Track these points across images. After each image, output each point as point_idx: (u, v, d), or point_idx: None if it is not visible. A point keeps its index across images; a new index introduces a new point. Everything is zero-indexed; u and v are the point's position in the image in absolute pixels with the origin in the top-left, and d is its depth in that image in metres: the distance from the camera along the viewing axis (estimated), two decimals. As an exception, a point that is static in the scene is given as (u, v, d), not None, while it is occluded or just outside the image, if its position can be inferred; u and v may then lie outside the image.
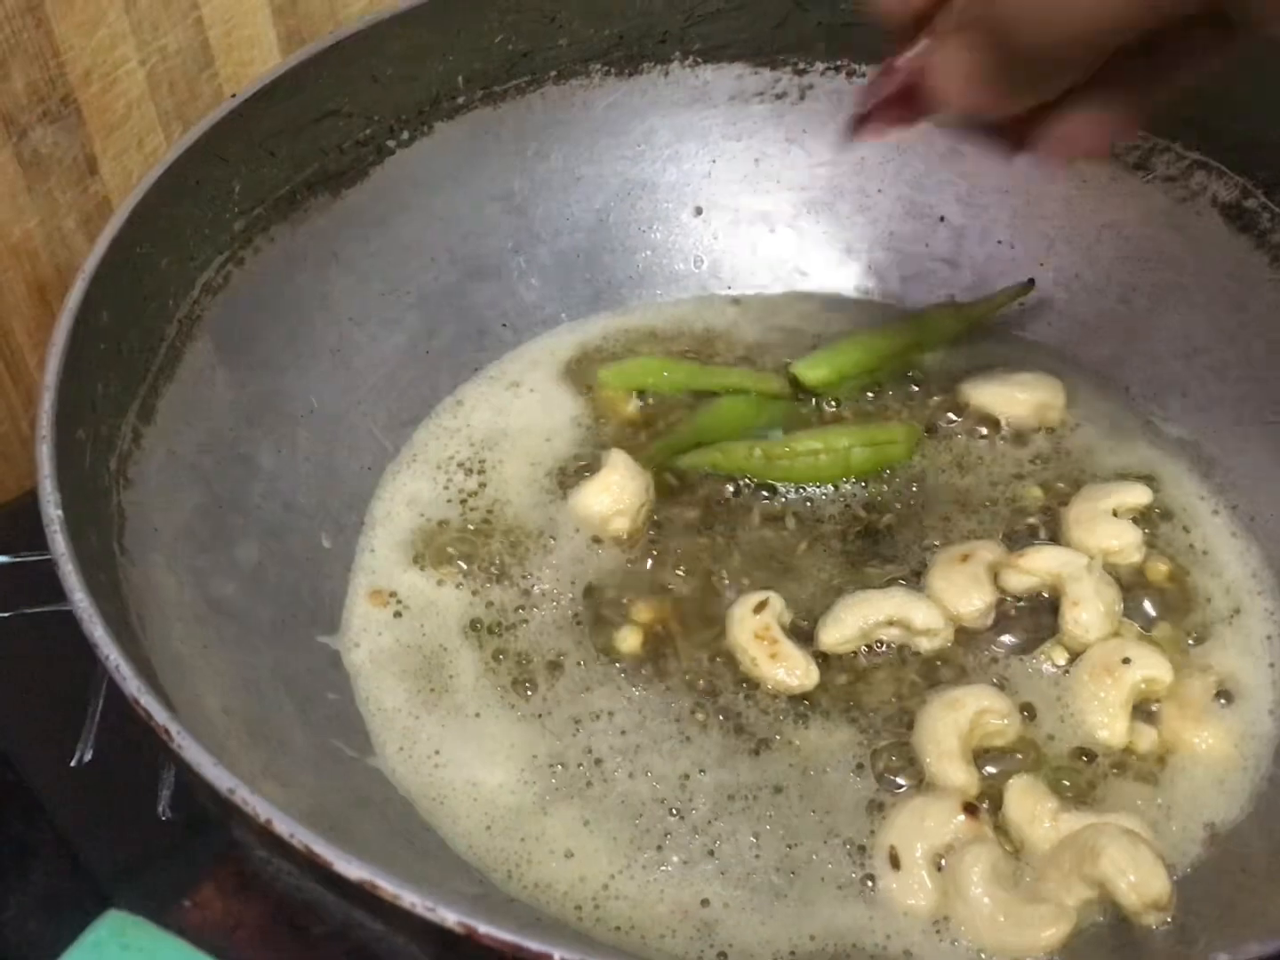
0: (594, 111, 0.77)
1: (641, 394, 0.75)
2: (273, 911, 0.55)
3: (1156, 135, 0.73)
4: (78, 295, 0.58)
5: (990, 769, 0.60)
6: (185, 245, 0.65)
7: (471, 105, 0.74)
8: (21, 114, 0.74)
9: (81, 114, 0.77)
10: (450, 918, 0.42)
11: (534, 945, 0.41)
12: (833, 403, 0.74)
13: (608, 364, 0.76)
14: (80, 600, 0.49)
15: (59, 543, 0.50)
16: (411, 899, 0.42)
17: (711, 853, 0.58)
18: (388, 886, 0.42)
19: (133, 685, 0.47)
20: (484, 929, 0.41)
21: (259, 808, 0.44)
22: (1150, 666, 0.61)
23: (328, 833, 0.44)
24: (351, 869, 0.43)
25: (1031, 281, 0.75)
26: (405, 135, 0.73)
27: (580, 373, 0.76)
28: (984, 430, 0.73)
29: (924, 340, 0.75)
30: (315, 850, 0.43)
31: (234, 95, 0.66)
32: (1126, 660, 0.61)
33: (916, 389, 0.75)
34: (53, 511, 0.51)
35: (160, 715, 0.46)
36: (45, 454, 0.53)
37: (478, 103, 0.74)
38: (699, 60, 0.77)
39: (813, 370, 0.74)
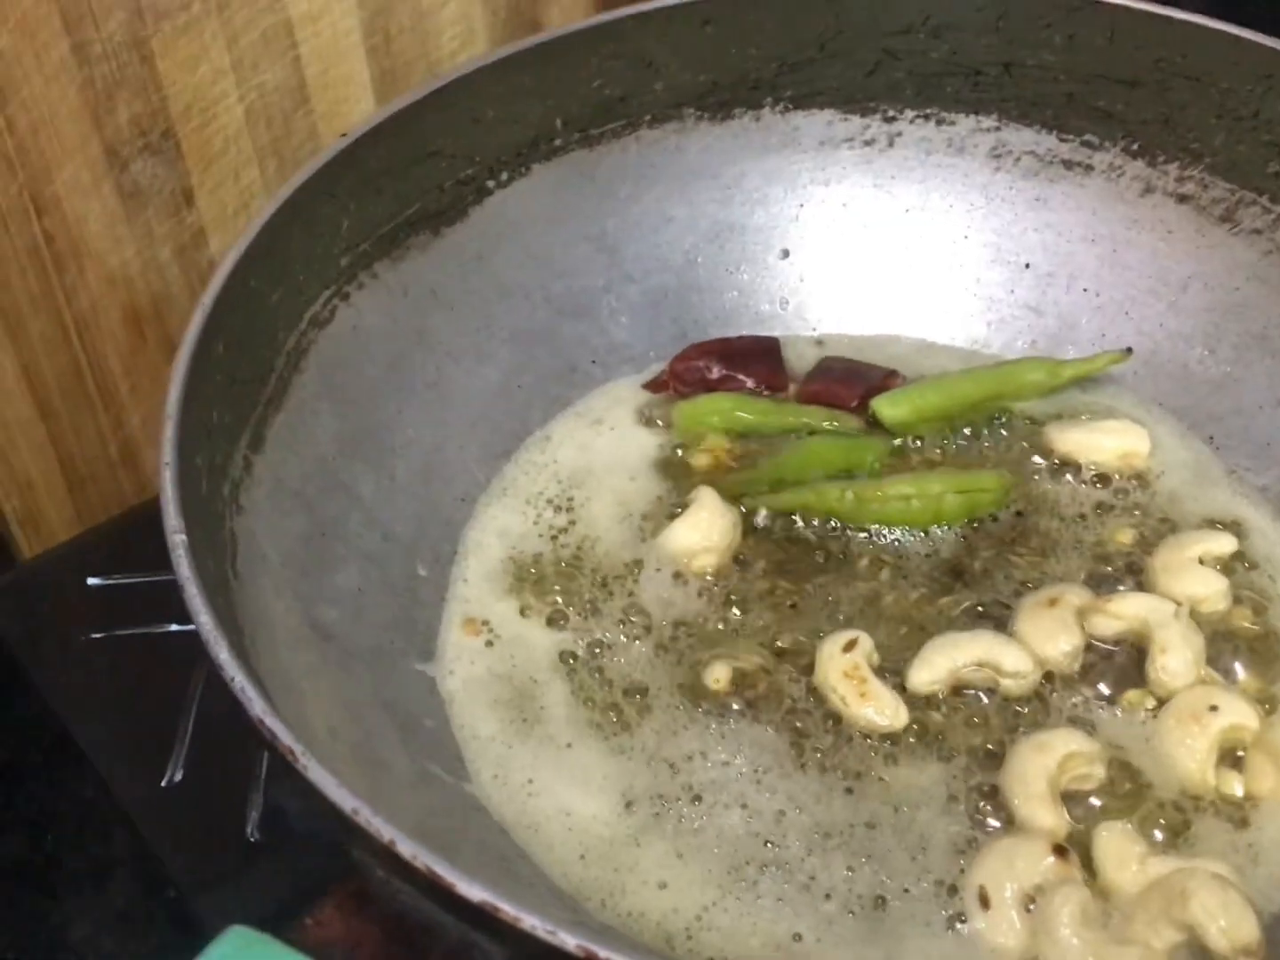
0: (686, 155, 0.78)
1: (724, 432, 0.76)
2: (388, 933, 0.56)
3: (1244, 188, 0.74)
4: (196, 328, 0.59)
5: (1078, 812, 0.60)
6: (295, 280, 0.66)
7: (568, 148, 0.76)
8: (124, 146, 0.76)
9: (180, 148, 0.79)
10: (570, 941, 0.43)
11: (655, 971, 0.42)
12: (917, 442, 0.75)
13: (684, 401, 0.77)
14: (205, 623, 0.50)
15: (184, 567, 0.52)
16: (533, 922, 0.43)
17: (805, 888, 0.58)
18: (509, 909, 0.43)
19: (258, 706, 0.48)
20: (604, 953, 0.42)
21: (382, 829, 0.45)
22: (1237, 714, 0.62)
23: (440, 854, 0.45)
24: (474, 890, 0.44)
25: (1129, 350, 0.75)
26: (504, 176, 0.75)
27: (660, 410, 0.77)
28: (1069, 476, 0.73)
29: (1010, 392, 0.76)
30: (438, 872, 0.44)
31: (344, 135, 0.68)
32: (1214, 708, 0.61)
33: (1002, 433, 0.75)
34: (177, 537, 0.53)
35: (285, 736, 0.47)
36: (169, 479, 0.54)
37: (574, 145, 0.76)
38: (790, 106, 0.79)
39: (893, 408, 0.75)
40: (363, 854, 0.47)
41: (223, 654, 0.49)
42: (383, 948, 0.56)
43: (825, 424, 0.76)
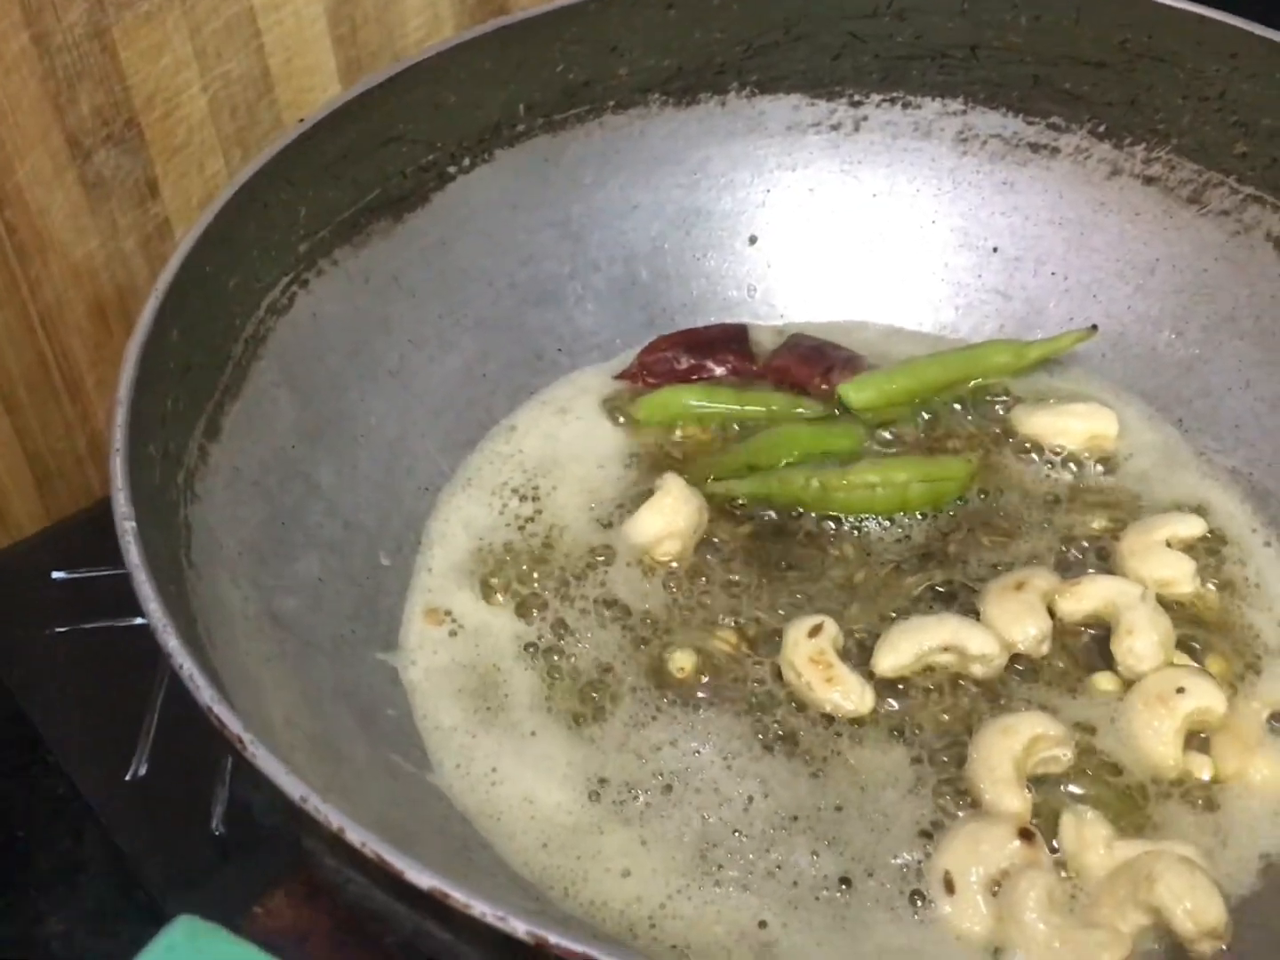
0: (651, 140, 0.78)
1: (687, 423, 0.76)
2: (339, 922, 0.55)
3: (1211, 169, 0.73)
4: (150, 313, 0.59)
5: (1045, 795, 0.60)
6: (252, 266, 0.66)
7: (532, 133, 0.75)
8: (86, 137, 0.76)
9: (144, 137, 0.78)
10: (520, 928, 0.42)
11: (604, 955, 0.41)
12: (887, 432, 0.75)
13: (643, 396, 0.76)
14: (154, 610, 0.50)
15: (133, 554, 0.51)
16: (482, 908, 0.42)
17: (770, 874, 0.58)
18: (459, 895, 0.43)
19: (206, 694, 0.47)
20: (554, 939, 0.42)
21: (331, 816, 0.45)
22: (1204, 696, 0.61)
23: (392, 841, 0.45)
24: (423, 878, 0.43)
25: (1095, 327, 0.76)
26: (466, 162, 0.74)
27: (622, 404, 0.77)
28: (1036, 459, 0.73)
29: (977, 374, 0.76)
30: (387, 859, 0.44)
31: (302, 120, 0.68)
32: (1181, 690, 0.61)
33: (969, 417, 0.75)
34: (126, 524, 0.52)
35: (234, 725, 0.47)
36: (118, 467, 0.54)
37: (538, 131, 0.76)
38: (756, 91, 0.78)
39: (859, 392, 0.75)
40: (314, 843, 0.46)
41: (171, 641, 0.49)
42: (333, 937, 0.56)
43: (789, 411, 0.75)
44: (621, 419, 0.76)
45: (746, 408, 0.75)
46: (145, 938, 0.57)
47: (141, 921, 0.70)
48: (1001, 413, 0.75)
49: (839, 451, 0.73)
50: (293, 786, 0.45)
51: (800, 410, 0.75)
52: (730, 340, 0.78)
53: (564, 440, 0.75)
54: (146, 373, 0.57)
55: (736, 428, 0.75)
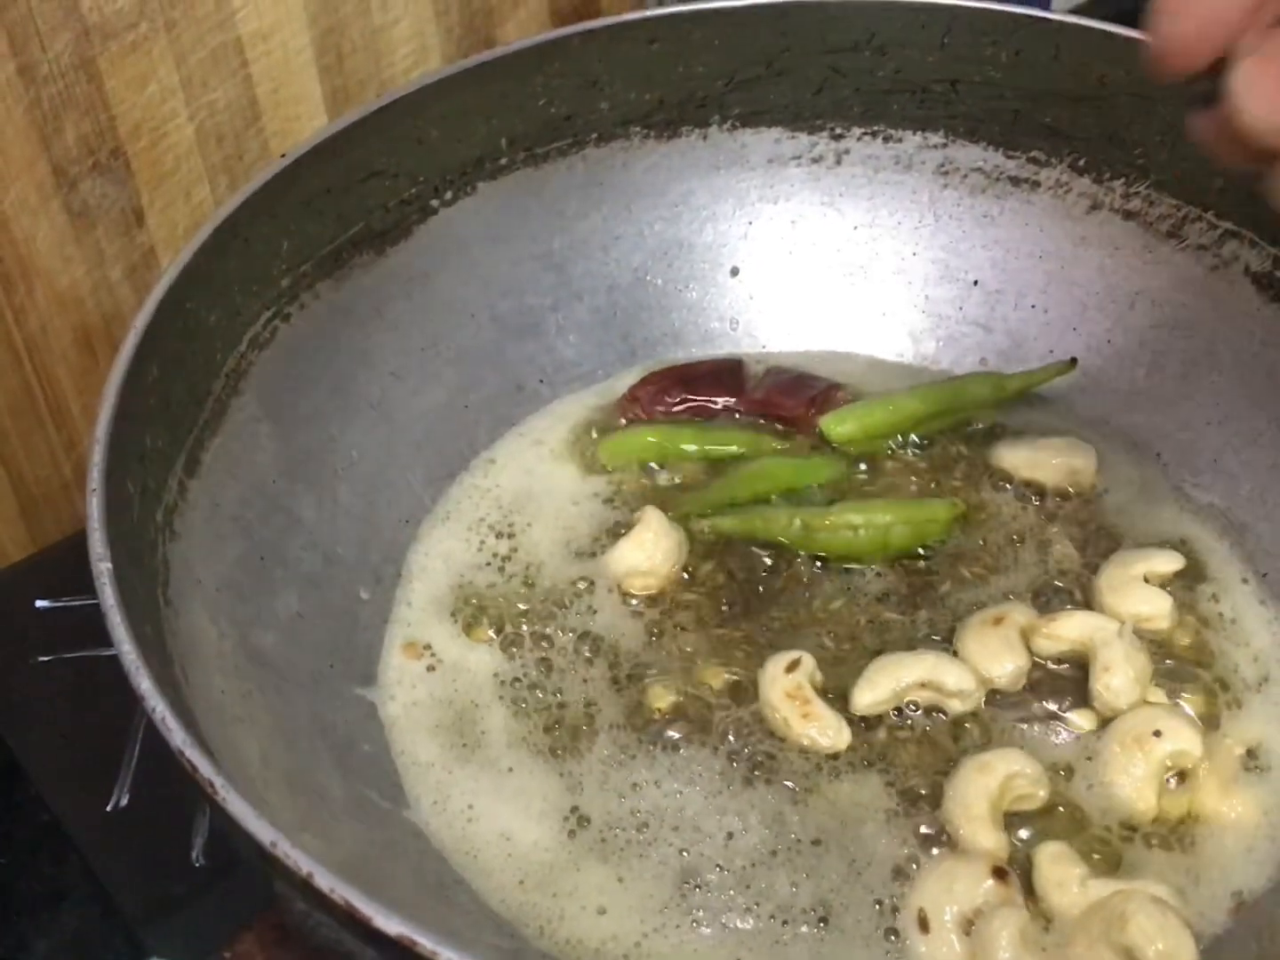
0: (633, 173, 0.78)
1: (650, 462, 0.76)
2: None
3: (1189, 204, 0.74)
4: (129, 349, 0.59)
5: (1020, 833, 0.60)
6: (233, 301, 0.66)
7: (514, 166, 0.76)
8: (72, 166, 0.76)
9: (130, 166, 0.78)
10: (488, 975, 0.42)
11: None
12: (866, 465, 0.75)
13: (607, 435, 0.76)
14: (128, 651, 0.50)
15: (108, 594, 0.51)
16: (449, 955, 0.42)
17: (748, 910, 0.58)
18: (426, 943, 0.43)
19: (178, 737, 0.48)
20: (520, 988, 0.42)
21: (300, 861, 0.45)
22: (1181, 740, 0.61)
23: (364, 885, 0.45)
24: (391, 925, 0.43)
25: (1074, 360, 0.76)
26: (449, 195, 0.74)
27: (584, 446, 0.77)
28: (1015, 493, 0.73)
29: (957, 407, 0.76)
30: (355, 905, 0.44)
31: (284, 155, 0.68)
32: (1157, 733, 0.61)
33: (950, 450, 0.75)
34: (102, 565, 0.52)
35: (205, 768, 0.47)
36: (95, 506, 0.54)
37: (520, 164, 0.76)
38: (737, 124, 0.78)
39: (839, 426, 0.75)
40: (283, 886, 0.46)
41: (144, 683, 0.49)
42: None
43: (755, 448, 0.75)
44: (583, 462, 0.76)
45: (708, 447, 0.75)
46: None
47: (122, 952, 0.70)
48: (981, 447, 0.75)
49: (819, 484, 0.73)
50: (263, 831, 0.45)
51: (772, 446, 0.75)
52: (725, 375, 0.78)
53: (539, 475, 0.75)
54: (125, 410, 0.57)
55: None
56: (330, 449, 0.70)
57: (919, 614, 0.68)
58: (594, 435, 0.77)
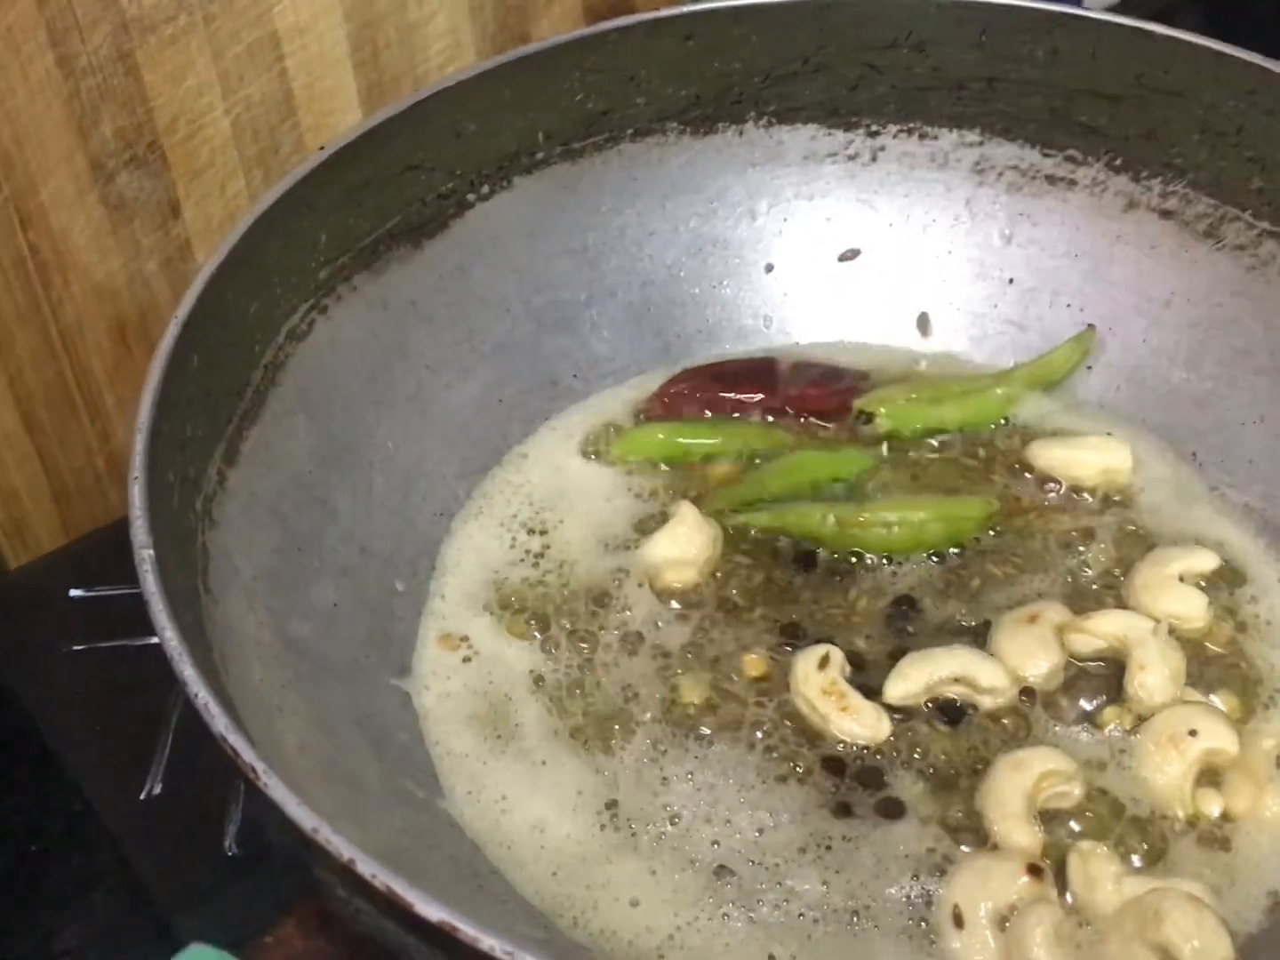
0: (669, 169, 0.78)
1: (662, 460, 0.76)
2: (350, 952, 0.56)
3: (1227, 204, 0.73)
4: (170, 340, 0.59)
5: (1054, 831, 0.60)
6: (272, 292, 0.66)
7: (550, 161, 0.76)
8: (109, 159, 0.77)
9: (166, 160, 0.79)
10: (529, 962, 0.42)
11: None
12: (899, 457, 0.74)
13: (622, 434, 0.77)
14: (170, 638, 0.50)
15: (150, 582, 0.52)
16: (491, 942, 0.43)
17: (779, 905, 0.58)
18: (467, 929, 0.43)
19: (220, 723, 0.48)
20: (562, 974, 0.42)
21: (342, 848, 0.45)
22: (1216, 738, 0.61)
23: (402, 873, 0.45)
24: (432, 911, 0.43)
25: (1092, 327, 0.76)
26: (485, 189, 0.75)
27: (598, 442, 0.77)
28: (1050, 492, 0.73)
29: (996, 406, 0.76)
30: (397, 891, 0.44)
31: (323, 148, 0.68)
32: (1193, 732, 0.61)
33: (983, 446, 0.75)
34: (144, 552, 0.52)
35: (247, 753, 0.47)
36: (137, 494, 0.54)
37: (556, 159, 0.76)
38: (773, 121, 0.78)
39: (879, 406, 0.76)
40: (324, 872, 0.47)
41: (187, 670, 0.49)
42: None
43: (768, 444, 0.75)
44: (596, 457, 0.76)
45: (722, 443, 0.75)
46: (156, 956, 0.57)
47: (152, 940, 0.70)
48: (1016, 444, 0.75)
49: (851, 476, 0.74)
50: (305, 817, 0.46)
51: (786, 442, 0.75)
52: (756, 373, 0.78)
53: (570, 471, 0.75)
54: (166, 399, 0.58)
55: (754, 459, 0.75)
56: (366, 441, 0.70)
57: (952, 610, 0.68)
58: (611, 432, 0.77)
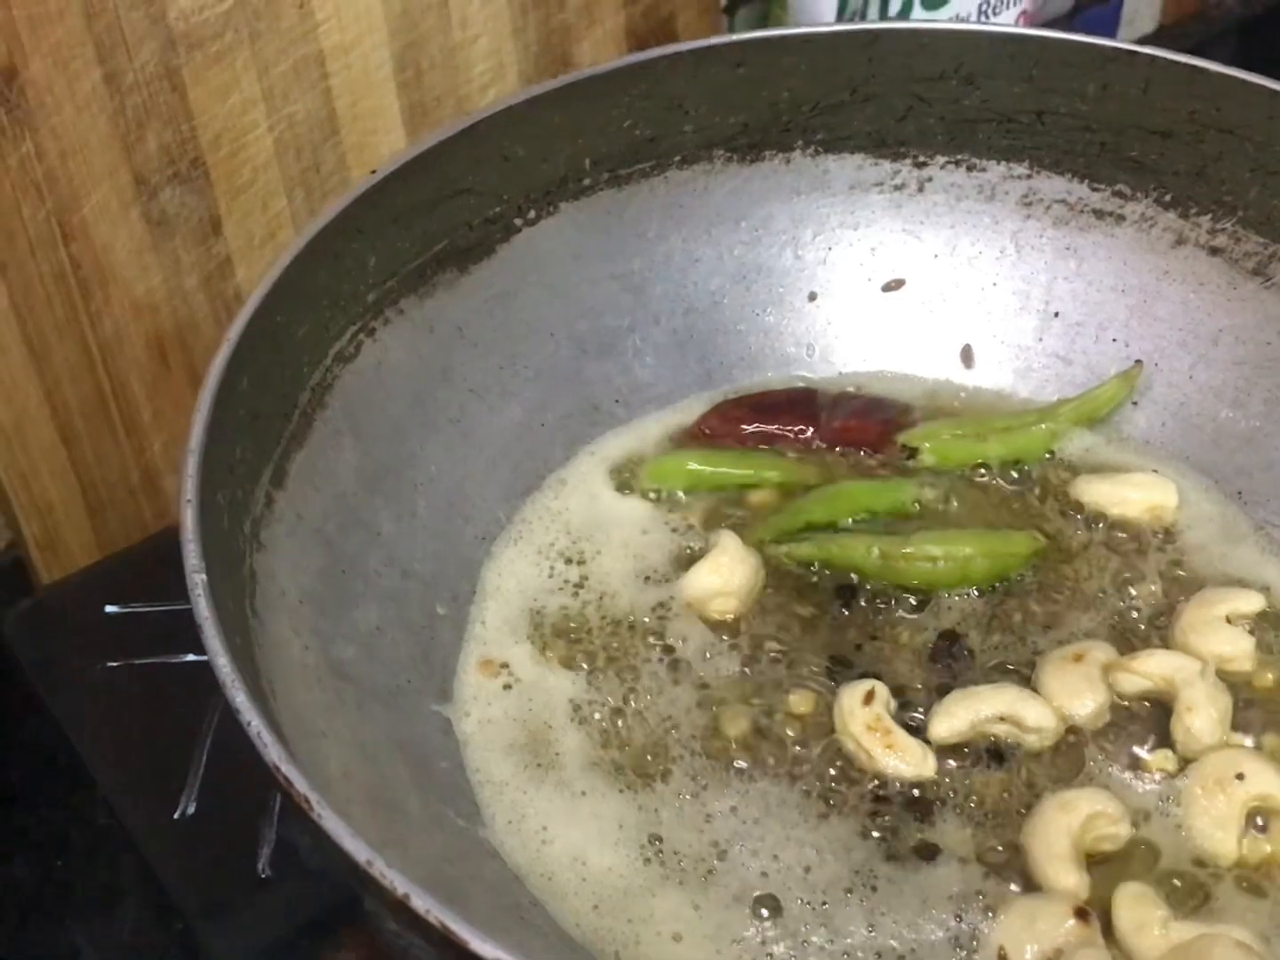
0: (715, 196, 0.78)
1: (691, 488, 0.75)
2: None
3: (1277, 242, 0.73)
4: (222, 361, 0.59)
5: (1100, 873, 0.59)
6: (321, 315, 0.66)
7: (597, 187, 0.76)
8: (153, 175, 0.77)
9: (209, 176, 0.79)
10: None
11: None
12: (943, 491, 0.74)
13: (651, 460, 0.76)
14: (223, 665, 0.50)
15: (203, 606, 0.51)
16: (547, 982, 0.42)
17: (824, 948, 0.58)
18: (523, 968, 0.43)
19: (274, 752, 0.48)
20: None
21: (396, 881, 0.45)
22: (1264, 784, 0.60)
23: (445, 904, 0.45)
24: (487, 949, 0.43)
25: (1139, 363, 0.75)
26: (532, 214, 0.74)
27: (628, 472, 0.76)
28: (1095, 529, 0.73)
29: (1041, 440, 0.76)
30: (451, 928, 0.44)
31: (374, 171, 0.68)
32: (1240, 776, 0.60)
33: (1029, 481, 0.75)
34: (197, 576, 0.52)
35: (301, 784, 0.47)
36: (189, 517, 0.54)
37: (603, 185, 0.76)
38: (820, 149, 0.78)
39: (923, 441, 0.75)
40: (374, 904, 0.46)
41: (240, 698, 0.49)
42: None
43: (795, 477, 0.75)
44: (622, 488, 0.75)
45: (751, 473, 0.75)
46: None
47: (177, 957, 0.70)
48: (1061, 480, 0.75)
49: (894, 508, 0.73)
50: (359, 850, 0.45)
51: (813, 476, 0.75)
52: (796, 404, 0.78)
53: (607, 501, 0.75)
54: (217, 422, 0.58)
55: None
56: (410, 464, 0.70)
57: (997, 647, 0.68)
58: (645, 461, 0.76)
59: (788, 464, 0.76)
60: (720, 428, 0.77)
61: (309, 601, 0.62)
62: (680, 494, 0.75)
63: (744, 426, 0.77)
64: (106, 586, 0.81)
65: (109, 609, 0.78)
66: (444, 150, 0.70)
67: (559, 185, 0.75)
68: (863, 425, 0.77)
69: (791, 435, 0.77)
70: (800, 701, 0.65)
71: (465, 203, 0.72)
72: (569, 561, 0.72)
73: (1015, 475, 0.75)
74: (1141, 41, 0.74)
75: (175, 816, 0.70)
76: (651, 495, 0.75)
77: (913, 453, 0.75)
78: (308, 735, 0.56)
